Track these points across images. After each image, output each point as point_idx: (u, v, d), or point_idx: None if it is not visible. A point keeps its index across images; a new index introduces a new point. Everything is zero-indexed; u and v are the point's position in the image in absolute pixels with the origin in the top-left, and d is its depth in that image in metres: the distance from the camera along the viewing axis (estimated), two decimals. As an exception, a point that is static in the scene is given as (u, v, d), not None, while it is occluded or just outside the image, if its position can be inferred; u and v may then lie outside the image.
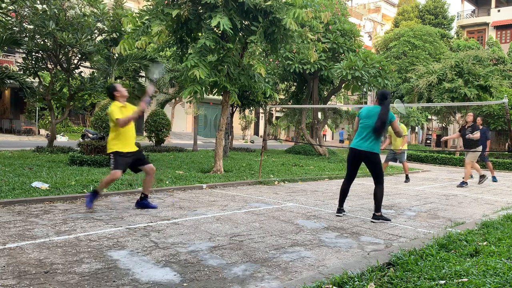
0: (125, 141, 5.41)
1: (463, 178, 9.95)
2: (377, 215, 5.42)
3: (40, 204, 5.55)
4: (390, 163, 10.88)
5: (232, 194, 7.21)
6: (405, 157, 10.67)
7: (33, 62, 13.02)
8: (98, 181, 7.18)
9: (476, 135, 9.42)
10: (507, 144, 9.32)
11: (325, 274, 3.03)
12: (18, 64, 14.82)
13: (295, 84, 19.42)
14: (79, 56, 13.23)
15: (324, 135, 36.83)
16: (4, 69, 12.60)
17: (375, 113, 5.28)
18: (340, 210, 5.70)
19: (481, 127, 10.24)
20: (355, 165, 5.57)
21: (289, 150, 18.76)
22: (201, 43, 7.87)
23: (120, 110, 5.35)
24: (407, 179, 10.50)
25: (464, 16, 40.52)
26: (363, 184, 9.61)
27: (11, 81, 12.48)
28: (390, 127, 5.59)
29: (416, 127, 35.50)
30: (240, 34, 8.93)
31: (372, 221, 5.39)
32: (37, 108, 24.91)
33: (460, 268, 3.12)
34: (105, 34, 13.02)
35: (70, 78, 13.45)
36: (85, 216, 4.95)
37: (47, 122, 25.09)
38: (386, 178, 10.94)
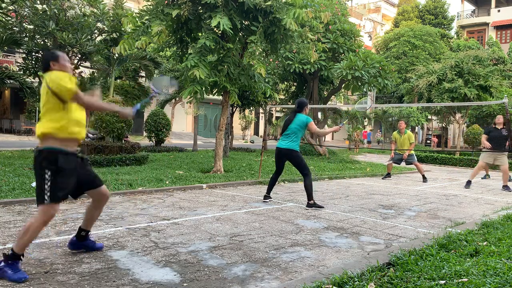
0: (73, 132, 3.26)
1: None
2: (310, 203, 6.15)
3: (40, 204, 5.55)
4: (394, 164, 11.36)
5: (232, 194, 7.21)
6: (416, 159, 10.90)
7: (33, 62, 13.02)
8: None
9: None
10: (507, 143, 9.15)
11: (325, 274, 3.03)
12: (18, 64, 14.82)
13: (295, 84, 19.41)
14: (79, 56, 13.22)
15: (324, 135, 36.83)
16: (4, 69, 12.60)
17: (289, 121, 6.33)
18: (267, 196, 6.56)
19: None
20: (279, 161, 6.43)
21: (289, 150, 18.73)
22: (201, 43, 7.87)
23: (71, 80, 3.14)
24: (425, 179, 10.64)
25: (464, 16, 40.52)
26: (363, 184, 9.61)
27: (11, 81, 12.47)
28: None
29: (416, 127, 35.49)
30: (240, 34, 8.93)
31: (306, 209, 6.08)
32: (37, 108, 24.88)
33: (460, 268, 3.12)
34: (105, 34, 13.01)
35: (70, 78, 13.43)
36: (85, 216, 4.95)
37: (47, 122, 25.06)
38: (386, 178, 10.94)
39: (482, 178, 12.08)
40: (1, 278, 2.94)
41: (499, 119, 9.45)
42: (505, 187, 9.23)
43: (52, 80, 3.09)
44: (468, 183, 9.56)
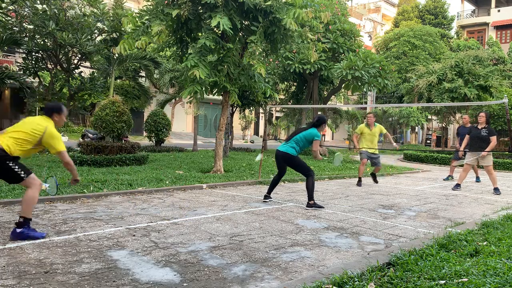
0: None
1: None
2: (310, 203, 6.17)
3: (40, 204, 5.55)
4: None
5: (232, 194, 7.21)
6: (380, 163, 9.63)
7: (33, 62, 13.02)
8: (98, 181, 7.18)
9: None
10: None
11: (325, 274, 3.03)
12: (18, 64, 14.84)
13: (295, 84, 19.43)
14: (79, 56, 13.23)
15: (324, 135, 36.83)
16: (4, 69, 12.60)
17: (300, 129, 6.56)
18: (267, 196, 6.58)
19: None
20: (278, 163, 6.52)
21: (289, 150, 18.71)
22: (201, 43, 7.87)
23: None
24: (375, 177, 9.68)
25: (464, 16, 40.52)
26: (363, 184, 9.60)
27: (11, 81, 12.47)
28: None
29: (416, 127, 35.49)
30: (240, 34, 8.93)
31: (306, 209, 6.09)
32: (37, 108, 24.85)
33: (460, 268, 3.12)
34: (105, 34, 13.02)
35: (70, 78, 13.45)
36: (85, 216, 4.95)
37: (47, 122, 25.02)
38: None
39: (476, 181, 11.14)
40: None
41: (481, 117, 8.67)
42: (496, 190, 8.63)
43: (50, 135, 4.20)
44: (457, 186, 9.09)
